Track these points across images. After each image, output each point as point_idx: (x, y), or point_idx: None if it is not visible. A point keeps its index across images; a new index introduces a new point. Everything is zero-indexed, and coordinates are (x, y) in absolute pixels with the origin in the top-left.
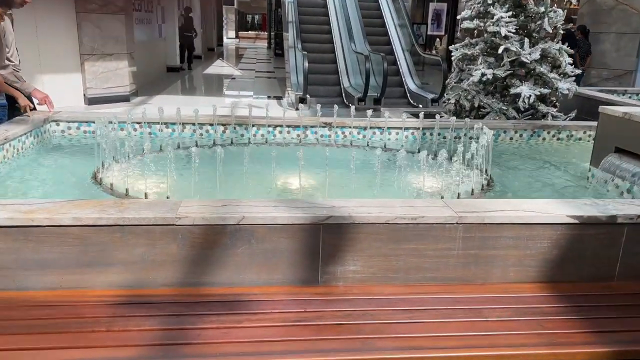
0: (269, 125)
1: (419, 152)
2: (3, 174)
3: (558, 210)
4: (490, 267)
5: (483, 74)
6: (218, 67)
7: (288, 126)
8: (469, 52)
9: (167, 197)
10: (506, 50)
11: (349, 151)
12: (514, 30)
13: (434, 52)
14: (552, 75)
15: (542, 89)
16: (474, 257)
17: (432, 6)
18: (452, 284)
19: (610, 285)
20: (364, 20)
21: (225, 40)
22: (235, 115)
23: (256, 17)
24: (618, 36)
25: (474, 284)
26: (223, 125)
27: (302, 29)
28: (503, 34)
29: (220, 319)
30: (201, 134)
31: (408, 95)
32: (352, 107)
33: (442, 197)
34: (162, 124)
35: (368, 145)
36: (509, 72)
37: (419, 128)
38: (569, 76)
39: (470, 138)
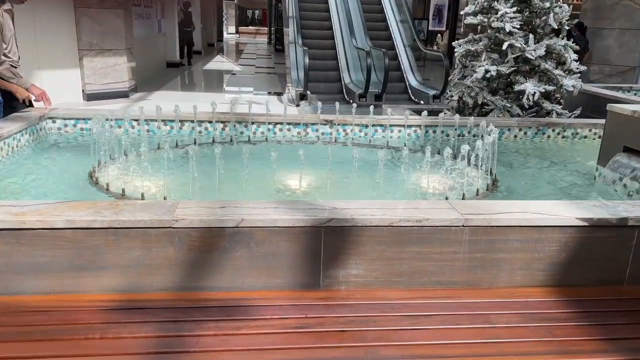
0: (269, 123)
1: (422, 150)
2: None
3: (567, 212)
4: (496, 270)
5: (487, 71)
6: (218, 63)
7: (288, 124)
8: (472, 48)
9: (165, 198)
10: (510, 46)
11: (350, 149)
12: (518, 26)
13: (435, 47)
14: (557, 71)
15: (546, 85)
16: (480, 261)
17: (433, 1)
18: (457, 288)
19: (620, 290)
20: (365, 15)
21: (225, 35)
22: (234, 112)
23: (256, 12)
24: (621, 32)
25: (480, 288)
26: (222, 122)
27: (303, 24)
28: (507, 30)
29: (218, 325)
30: (200, 132)
31: (409, 91)
32: (354, 104)
33: (446, 198)
34: (160, 121)
35: (370, 143)
36: (513, 68)
37: (421, 125)
38: (574, 73)
39: (474, 136)
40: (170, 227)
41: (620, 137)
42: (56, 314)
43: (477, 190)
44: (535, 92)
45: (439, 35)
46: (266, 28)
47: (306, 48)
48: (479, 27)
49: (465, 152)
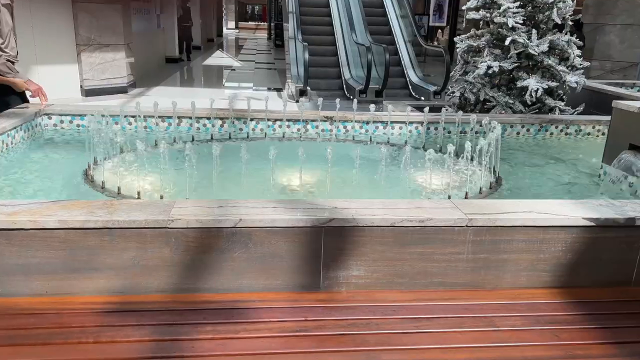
0: (269, 119)
1: (423, 147)
2: None
3: (573, 212)
4: (501, 272)
5: (489, 67)
6: (217, 58)
7: (288, 120)
8: (474, 44)
9: (161, 197)
10: (513, 41)
11: (351, 146)
12: (521, 21)
13: (435, 43)
14: (560, 67)
15: (550, 82)
16: (484, 262)
17: None
18: (461, 289)
19: (627, 291)
20: (365, 10)
21: (225, 31)
22: (233, 108)
23: (256, 7)
24: (623, 27)
25: (484, 290)
26: (221, 119)
27: (303, 20)
28: (510, 25)
29: (216, 328)
30: (198, 128)
31: (410, 87)
32: (355, 101)
33: (449, 197)
34: (157, 117)
35: (371, 140)
36: (515, 64)
37: (423, 122)
38: (577, 69)
39: (477, 133)
40: (166, 228)
41: (626, 135)
42: (48, 317)
43: (480, 188)
44: (538, 89)
45: (439, 31)
46: (266, 23)
47: (306, 44)
48: (481, 22)
49: (468, 149)
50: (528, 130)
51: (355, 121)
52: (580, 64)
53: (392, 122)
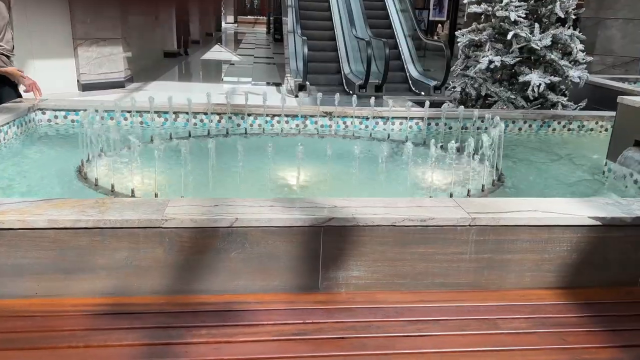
0: (267, 115)
1: (424, 143)
2: None
3: (579, 211)
4: (505, 272)
5: (491, 61)
6: (216, 53)
7: (287, 116)
8: (475, 38)
9: (156, 195)
10: (515, 36)
11: (351, 143)
12: (523, 15)
13: (435, 38)
14: (563, 62)
15: (552, 77)
16: (488, 262)
17: None
18: (463, 290)
19: (633, 292)
20: (365, 4)
21: (223, 25)
22: (231, 103)
23: (255, 0)
24: (625, 22)
25: (487, 291)
26: (218, 114)
27: (302, 14)
28: (512, 19)
29: (210, 332)
30: (195, 124)
31: (410, 82)
32: (354, 96)
33: (451, 195)
34: (153, 113)
35: (370, 136)
36: (518, 59)
37: (424, 118)
38: (580, 63)
39: (478, 129)
40: (159, 227)
41: (631, 131)
42: (38, 320)
43: (483, 186)
44: (540, 84)
45: (439, 25)
46: (265, 17)
47: (305, 38)
48: (482, 16)
49: (470, 146)
50: (530, 126)
51: (355, 117)
52: (583, 59)
53: (392, 118)
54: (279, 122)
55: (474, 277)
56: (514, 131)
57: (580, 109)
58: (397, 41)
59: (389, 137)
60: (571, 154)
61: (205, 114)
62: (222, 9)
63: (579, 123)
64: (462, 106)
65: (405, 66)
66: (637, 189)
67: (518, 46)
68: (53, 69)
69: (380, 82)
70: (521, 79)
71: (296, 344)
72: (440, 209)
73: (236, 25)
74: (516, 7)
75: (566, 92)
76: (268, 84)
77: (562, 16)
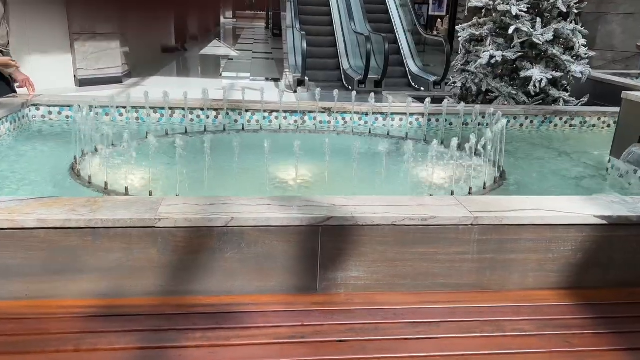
0: (265, 111)
1: (425, 139)
2: None
3: (583, 210)
4: (507, 272)
5: (492, 56)
6: (215, 48)
7: (285, 111)
8: (476, 33)
9: (150, 193)
10: (517, 30)
11: (350, 139)
12: (525, 9)
13: (435, 33)
14: (565, 57)
15: (554, 72)
16: (490, 262)
17: None
18: (465, 291)
19: (638, 292)
20: None
21: (222, 20)
22: (228, 99)
23: None
24: (625, 17)
25: (490, 292)
26: (215, 110)
27: (301, 10)
28: (514, 13)
29: (205, 334)
30: (192, 120)
31: (409, 77)
32: (354, 92)
33: (452, 193)
34: (148, 108)
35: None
36: (519, 54)
37: (424, 114)
38: (582, 58)
39: (479, 125)
40: (153, 227)
41: (636, 127)
42: (27, 323)
43: (485, 183)
44: (542, 79)
45: (439, 20)
46: (264, 12)
47: (304, 32)
48: (483, 10)
49: (472, 142)
50: (532, 121)
51: (354, 112)
52: (586, 54)
53: (392, 114)
54: (277, 118)
55: (476, 278)
56: (515, 127)
57: (582, 105)
58: (397, 36)
59: (388, 134)
60: (574, 151)
61: (202, 109)
62: (221, 4)
63: (581, 119)
64: (463, 102)
65: (405, 61)
66: None
67: (519, 41)
68: (49, 64)
69: (379, 77)
70: (522, 74)
71: (294, 347)
72: (442, 208)
73: (235, 20)
74: (517, 1)
75: (568, 87)
76: (267, 79)
77: (565, 10)
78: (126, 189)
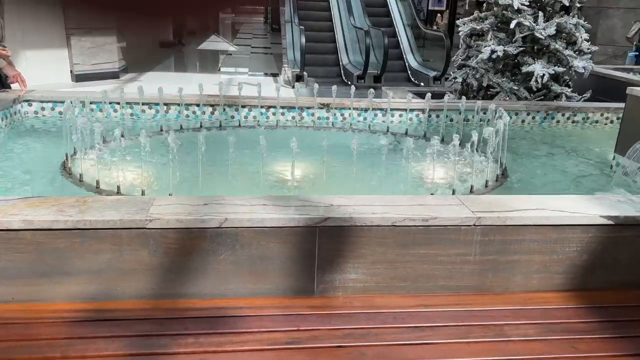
0: (262, 107)
1: (425, 136)
2: None
3: (589, 209)
4: (511, 274)
5: (493, 51)
6: (213, 43)
7: (282, 107)
8: (477, 27)
9: (142, 192)
10: (519, 24)
11: (348, 136)
12: (527, 3)
13: (434, 27)
14: (567, 52)
15: (556, 67)
16: (493, 264)
17: None
18: (467, 293)
19: None
20: None
21: (220, 15)
22: (224, 94)
23: None
24: (626, 11)
25: (493, 294)
26: (211, 105)
27: (300, 5)
28: (515, 7)
29: (198, 340)
30: (187, 116)
31: (409, 72)
32: (352, 87)
33: (453, 192)
34: (142, 104)
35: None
36: (521, 48)
37: (424, 110)
38: (585, 53)
39: (481, 121)
40: (144, 228)
41: None
42: (13, 328)
43: (487, 181)
44: (544, 74)
45: (438, 14)
46: (262, 7)
47: (302, 27)
48: (484, 4)
49: (473, 139)
50: (534, 118)
51: (353, 109)
52: (588, 49)
53: (392, 110)
54: (274, 114)
55: (478, 280)
56: (517, 123)
57: (585, 101)
58: (396, 30)
59: (388, 130)
60: (576, 148)
61: (198, 105)
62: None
63: (584, 115)
64: (464, 97)
65: (405, 56)
66: None
67: (521, 35)
68: (45, 59)
69: (379, 72)
70: (524, 69)
71: (289, 354)
72: (443, 208)
73: (233, 15)
74: None
75: (570, 83)
76: (265, 74)
77: (567, 4)
78: (118, 187)
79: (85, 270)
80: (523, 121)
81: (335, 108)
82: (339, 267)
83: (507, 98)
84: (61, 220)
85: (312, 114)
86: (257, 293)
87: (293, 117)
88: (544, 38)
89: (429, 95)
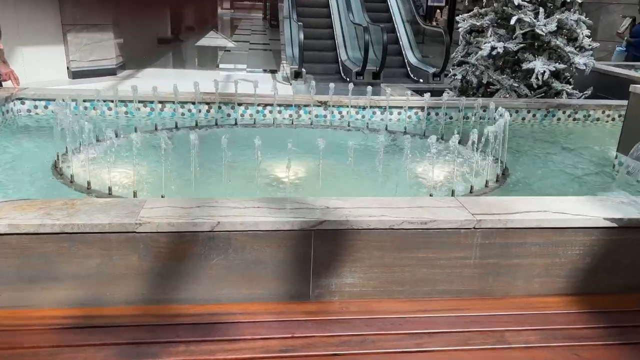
0: (259, 105)
1: (424, 134)
2: None
3: (592, 212)
4: (512, 278)
5: (493, 48)
6: (211, 39)
7: (279, 105)
8: (477, 23)
9: (134, 193)
10: (519, 21)
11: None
12: None
13: (434, 23)
14: (568, 48)
15: (557, 63)
16: (494, 267)
17: None
18: (467, 298)
19: None
20: None
21: (219, 10)
22: (220, 92)
23: None
24: (627, 7)
25: (493, 299)
26: (207, 103)
27: (298, 1)
28: (516, 3)
29: (189, 348)
30: (183, 114)
31: (408, 68)
32: (351, 84)
33: (452, 192)
34: (137, 102)
35: (367, 126)
36: (521, 45)
37: (423, 107)
38: (586, 50)
39: (481, 119)
40: (133, 232)
41: None
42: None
43: (487, 181)
44: (545, 71)
45: (437, 10)
46: (261, 3)
47: (301, 23)
48: (484, 0)
49: (473, 138)
50: (534, 115)
51: (351, 106)
52: (589, 45)
53: (390, 107)
54: (271, 112)
55: (478, 284)
56: (517, 121)
57: (586, 98)
58: (395, 26)
59: (386, 128)
60: (578, 146)
61: (193, 103)
62: None
63: (585, 112)
64: (464, 96)
65: (404, 52)
66: None
67: (522, 32)
68: (41, 56)
69: (378, 69)
70: (525, 66)
71: None
72: (443, 210)
73: (232, 11)
74: None
75: (571, 79)
76: (264, 71)
77: (568, 0)
78: (109, 188)
79: (74, 275)
80: (523, 119)
81: (333, 106)
82: (335, 271)
83: (507, 95)
84: (48, 224)
85: (310, 112)
86: (251, 298)
87: (290, 115)
88: (544, 34)
89: (427, 93)
